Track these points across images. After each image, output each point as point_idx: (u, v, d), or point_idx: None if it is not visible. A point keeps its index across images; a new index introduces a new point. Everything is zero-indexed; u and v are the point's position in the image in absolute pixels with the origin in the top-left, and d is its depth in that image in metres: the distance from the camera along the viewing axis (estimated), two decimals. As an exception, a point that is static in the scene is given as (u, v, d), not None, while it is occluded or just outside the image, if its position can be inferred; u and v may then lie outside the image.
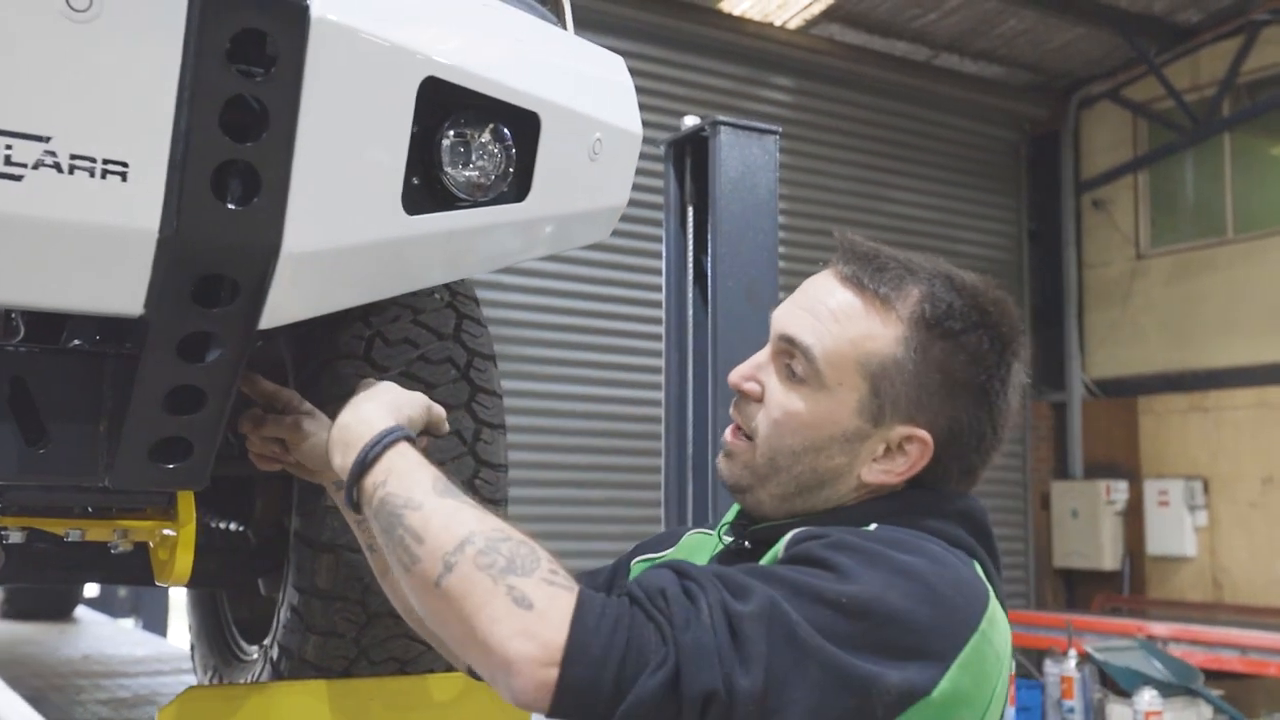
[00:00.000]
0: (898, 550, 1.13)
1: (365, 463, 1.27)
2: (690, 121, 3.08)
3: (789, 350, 1.29)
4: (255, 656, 2.39)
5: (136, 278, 1.32)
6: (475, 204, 1.65)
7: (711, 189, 2.92)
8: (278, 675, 2.18)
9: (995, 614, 1.16)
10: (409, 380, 2.19)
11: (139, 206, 1.28)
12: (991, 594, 1.18)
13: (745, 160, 2.89)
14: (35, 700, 3.17)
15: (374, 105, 1.43)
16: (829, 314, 1.28)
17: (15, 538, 1.69)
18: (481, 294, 2.31)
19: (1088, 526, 10.69)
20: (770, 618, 1.04)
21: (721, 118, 3.01)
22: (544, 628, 1.02)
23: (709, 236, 2.97)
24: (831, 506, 1.29)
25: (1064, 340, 11.41)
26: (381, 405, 1.37)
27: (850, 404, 1.26)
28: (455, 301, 2.31)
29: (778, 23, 10.07)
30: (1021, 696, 6.37)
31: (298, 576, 2.14)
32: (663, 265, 3.18)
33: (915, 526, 1.22)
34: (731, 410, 1.35)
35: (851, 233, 1.37)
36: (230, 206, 1.33)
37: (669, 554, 1.48)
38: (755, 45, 10.07)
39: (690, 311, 3.12)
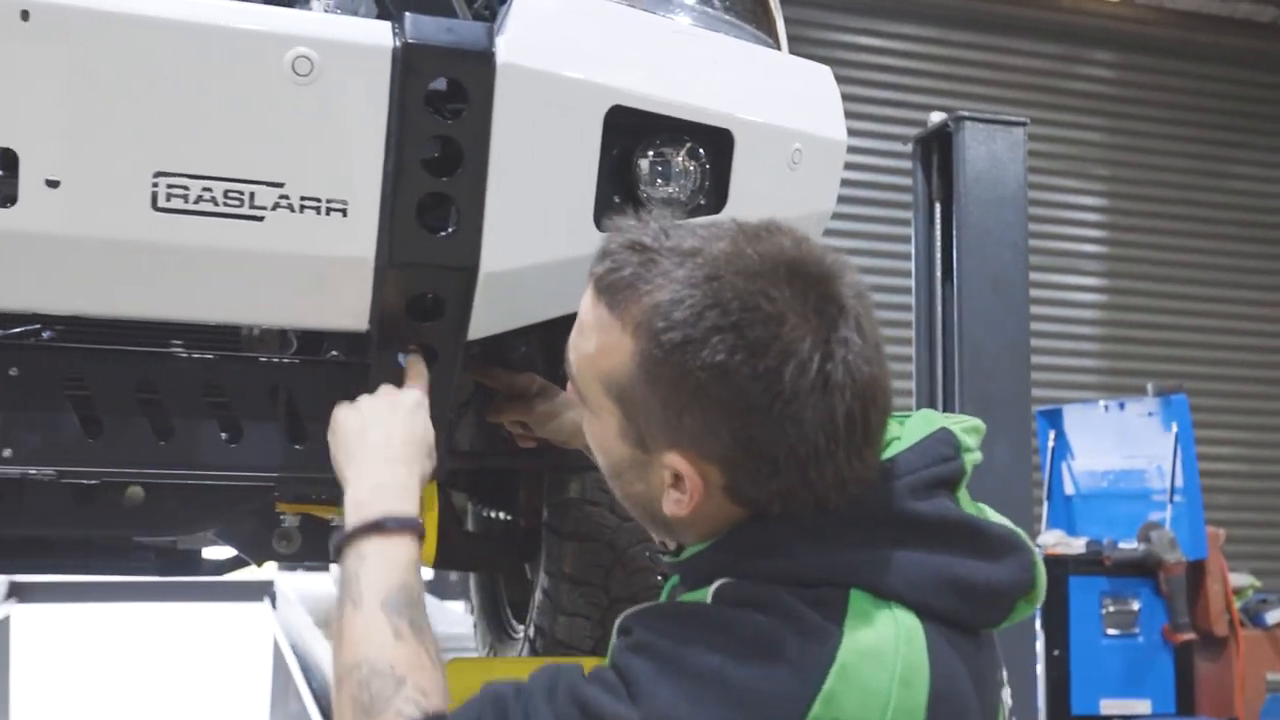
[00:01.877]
0: (705, 643, 1.01)
1: (374, 528, 1.25)
2: (936, 117, 3.09)
3: None
4: (521, 635, 2.63)
5: (359, 298, 1.54)
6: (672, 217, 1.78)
7: (956, 184, 2.92)
8: (534, 653, 2.39)
9: (842, 684, 0.99)
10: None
11: (358, 238, 1.49)
12: (835, 662, 1.00)
13: (991, 154, 2.87)
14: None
15: (561, 135, 1.58)
16: (578, 328, 1.15)
17: (290, 522, 1.97)
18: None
19: None
20: None
21: (965, 112, 3.00)
22: None
23: (954, 231, 2.98)
24: (688, 553, 1.16)
25: None
26: (414, 472, 1.35)
27: (613, 429, 1.13)
28: (693, 305, 2.44)
29: (1097, -5, 9.59)
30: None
31: (548, 562, 2.33)
32: (912, 260, 3.21)
33: (764, 573, 1.06)
34: None
35: (620, 219, 1.16)
36: (433, 234, 1.52)
37: None
38: (1072, 21, 9.63)
39: (939, 305, 3.14)
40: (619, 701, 1.00)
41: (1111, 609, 5.73)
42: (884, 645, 1.02)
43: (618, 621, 1.11)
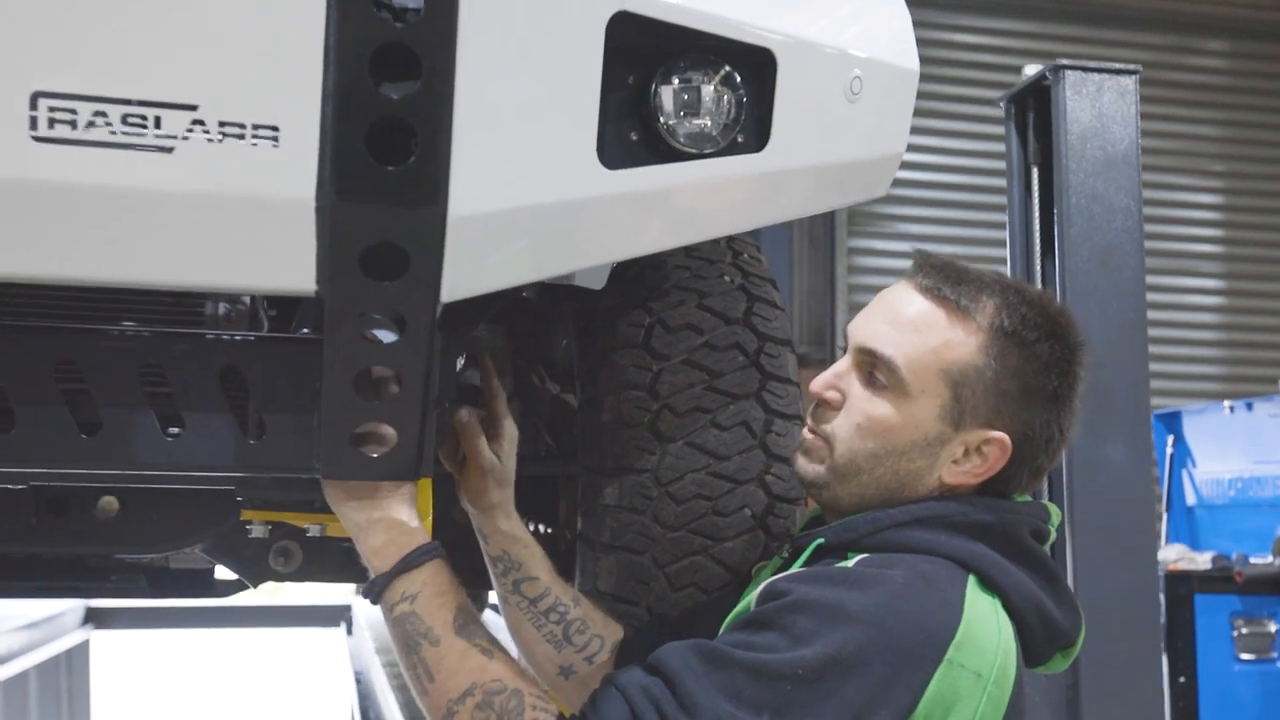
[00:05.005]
0: (861, 590, 1.24)
1: (404, 567, 1.37)
2: (1031, 70, 2.72)
3: (871, 361, 1.38)
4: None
5: (302, 251, 1.24)
6: (702, 156, 1.46)
7: (1057, 144, 2.55)
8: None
9: (968, 637, 1.25)
10: (691, 369, 2.03)
11: (293, 173, 1.20)
12: (963, 618, 1.25)
13: (1097, 108, 2.49)
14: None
15: (549, 47, 1.28)
16: (909, 324, 1.37)
17: (258, 532, 1.69)
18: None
19: None
20: None
21: (1065, 61, 2.62)
22: None
23: (1056, 198, 2.59)
24: (846, 520, 1.41)
25: None
26: (405, 499, 1.43)
27: (932, 410, 1.36)
28: (747, 283, 2.12)
29: (1207, -20, 9.03)
30: None
31: (582, 578, 2.06)
32: (1006, 234, 2.83)
33: (924, 541, 1.33)
34: (808, 416, 1.47)
35: (924, 248, 1.46)
36: (387, 168, 1.21)
37: None
38: (1181, 9, 9.13)
39: (1039, 282, 2.74)
40: (789, 649, 1.20)
41: (1244, 631, 5.23)
42: (990, 619, 1.29)
43: (764, 588, 1.31)
